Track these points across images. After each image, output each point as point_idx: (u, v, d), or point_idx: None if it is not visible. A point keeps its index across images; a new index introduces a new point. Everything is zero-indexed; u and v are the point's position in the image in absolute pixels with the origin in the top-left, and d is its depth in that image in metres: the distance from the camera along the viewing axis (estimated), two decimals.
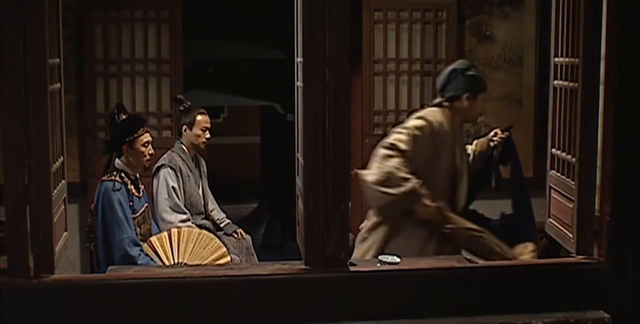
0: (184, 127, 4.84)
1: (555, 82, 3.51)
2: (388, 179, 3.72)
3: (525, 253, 3.90)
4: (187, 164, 4.82)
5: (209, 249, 4.30)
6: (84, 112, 5.37)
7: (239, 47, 7.41)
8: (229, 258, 4.40)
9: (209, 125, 4.87)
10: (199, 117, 4.84)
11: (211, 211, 5.07)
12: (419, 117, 3.89)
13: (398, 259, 3.48)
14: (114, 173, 4.19)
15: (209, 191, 5.06)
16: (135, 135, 4.20)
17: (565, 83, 3.40)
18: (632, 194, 3.13)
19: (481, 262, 3.41)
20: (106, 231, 4.09)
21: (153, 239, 4.24)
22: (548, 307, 3.10)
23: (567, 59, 3.38)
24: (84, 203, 5.05)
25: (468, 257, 3.80)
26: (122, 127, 4.23)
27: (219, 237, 4.96)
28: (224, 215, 5.17)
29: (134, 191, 4.23)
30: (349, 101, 3.05)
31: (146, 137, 4.25)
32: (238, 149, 10.45)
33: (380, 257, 3.52)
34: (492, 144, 4.07)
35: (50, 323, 2.92)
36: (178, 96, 5.07)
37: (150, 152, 4.27)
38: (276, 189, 7.94)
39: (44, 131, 2.89)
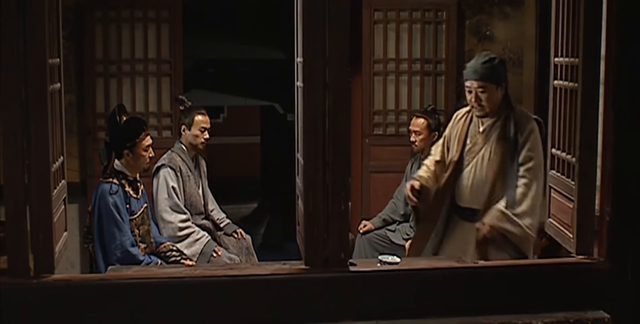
0: (183, 127, 4.85)
1: (555, 82, 3.51)
2: None
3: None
4: (187, 164, 4.82)
5: None
6: (84, 112, 5.37)
7: (239, 47, 7.40)
8: None
9: (207, 125, 4.87)
10: (197, 118, 4.84)
11: (211, 211, 5.07)
12: None
13: (398, 259, 3.48)
14: (112, 175, 4.19)
15: (208, 191, 5.06)
16: (137, 140, 4.19)
17: (565, 83, 3.40)
18: (632, 194, 3.13)
19: (481, 262, 3.41)
20: (103, 233, 4.08)
21: None
22: (548, 307, 3.10)
23: (567, 59, 3.38)
24: (84, 203, 5.05)
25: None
26: (123, 131, 4.21)
27: (218, 237, 4.98)
28: (224, 215, 5.17)
29: (131, 192, 4.22)
30: (349, 101, 3.05)
31: (147, 141, 4.23)
32: (238, 149, 10.45)
33: (380, 257, 3.52)
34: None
35: (50, 323, 2.93)
36: (180, 96, 5.07)
37: (150, 155, 4.26)
38: (276, 189, 7.93)
39: (44, 131, 2.89)
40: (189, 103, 4.93)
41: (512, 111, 3.87)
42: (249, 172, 9.64)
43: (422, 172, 4.08)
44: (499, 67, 3.89)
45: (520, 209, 3.72)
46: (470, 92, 3.90)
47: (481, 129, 3.94)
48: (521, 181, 3.75)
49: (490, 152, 3.87)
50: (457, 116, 4.10)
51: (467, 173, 3.93)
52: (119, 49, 5.39)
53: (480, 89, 3.85)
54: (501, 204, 3.75)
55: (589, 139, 3.20)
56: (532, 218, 3.74)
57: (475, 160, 3.91)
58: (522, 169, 3.76)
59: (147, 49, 5.42)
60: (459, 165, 3.96)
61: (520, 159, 3.77)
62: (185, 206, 4.75)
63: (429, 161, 4.13)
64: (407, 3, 5.65)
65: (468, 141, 3.96)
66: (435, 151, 4.15)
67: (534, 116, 3.95)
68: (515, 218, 3.70)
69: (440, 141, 4.17)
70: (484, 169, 3.88)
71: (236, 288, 3.01)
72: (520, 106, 4.06)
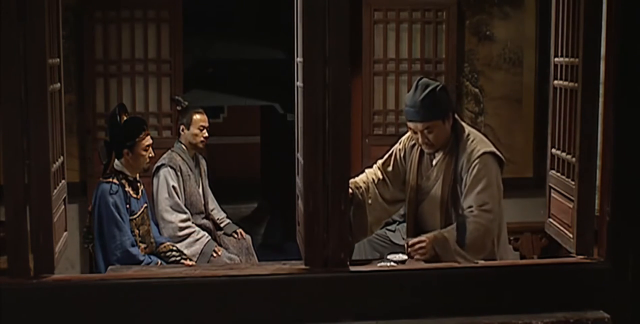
0: (182, 126, 4.87)
1: (555, 82, 3.51)
2: None
3: None
4: (187, 164, 4.82)
5: None
6: (84, 112, 5.36)
7: (239, 47, 7.41)
8: None
9: (206, 124, 4.89)
10: (195, 117, 4.86)
11: (211, 211, 5.07)
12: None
13: (405, 257, 3.49)
14: (112, 175, 4.19)
15: (209, 190, 5.07)
16: (137, 139, 4.19)
17: (565, 83, 3.40)
18: (632, 194, 3.13)
19: (481, 262, 3.41)
20: (104, 233, 4.08)
21: None
22: (548, 307, 3.10)
23: (567, 59, 3.39)
24: (84, 203, 5.05)
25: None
26: (123, 130, 4.21)
27: (218, 237, 4.98)
28: (224, 215, 5.18)
29: (131, 192, 4.22)
30: (349, 101, 3.05)
31: (147, 141, 4.24)
32: (238, 149, 10.46)
33: (389, 256, 3.52)
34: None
35: (50, 323, 2.93)
36: (176, 97, 5.08)
37: (150, 155, 4.27)
38: (276, 189, 7.94)
39: (44, 131, 2.89)
40: (186, 103, 4.96)
41: (461, 142, 3.57)
42: (249, 172, 9.65)
43: (362, 177, 3.82)
44: (441, 97, 3.56)
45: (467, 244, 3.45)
46: (415, 132, 3.59)
47: (434, 162, 3.68)
48: (470, 223, 3.47)
49: (442, 186, 3.61)
50: (409, 141, 3.78)
51: (422, 208, 3.71)
52: (119, 49, 5.38)
53: (426, 130, 3.55)
54: (451, 234, 3.47)
55: (589, 139, 3.20)
56: (479, 252, 3.48)
57: (429, 195, 3.67)
58: (475, 210, 3.48)
59: (147, 49, 5.42)
60: (414, 202, 3.72)
61: (470, 199, 3.49)
62: (185, 205, 4.75)
63: (376, 169, 3.84)
64: (407, 3, 5.64)
65: (422, 176, 3.70)
66: (389, 161, 3.83)
67: (489, 149, 3.56)
68: (461, 252, 3.43)
69: (394, 152, 3.84)
70: (437, 204, 3.63)
71: (236, 288, 3.01)
72: (471, 131, 3.66)
